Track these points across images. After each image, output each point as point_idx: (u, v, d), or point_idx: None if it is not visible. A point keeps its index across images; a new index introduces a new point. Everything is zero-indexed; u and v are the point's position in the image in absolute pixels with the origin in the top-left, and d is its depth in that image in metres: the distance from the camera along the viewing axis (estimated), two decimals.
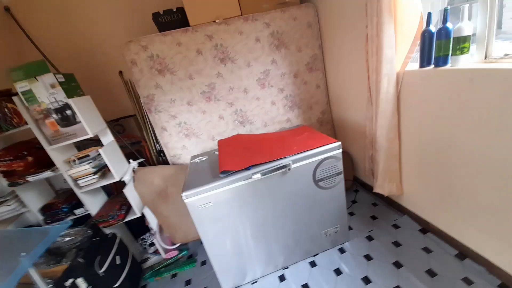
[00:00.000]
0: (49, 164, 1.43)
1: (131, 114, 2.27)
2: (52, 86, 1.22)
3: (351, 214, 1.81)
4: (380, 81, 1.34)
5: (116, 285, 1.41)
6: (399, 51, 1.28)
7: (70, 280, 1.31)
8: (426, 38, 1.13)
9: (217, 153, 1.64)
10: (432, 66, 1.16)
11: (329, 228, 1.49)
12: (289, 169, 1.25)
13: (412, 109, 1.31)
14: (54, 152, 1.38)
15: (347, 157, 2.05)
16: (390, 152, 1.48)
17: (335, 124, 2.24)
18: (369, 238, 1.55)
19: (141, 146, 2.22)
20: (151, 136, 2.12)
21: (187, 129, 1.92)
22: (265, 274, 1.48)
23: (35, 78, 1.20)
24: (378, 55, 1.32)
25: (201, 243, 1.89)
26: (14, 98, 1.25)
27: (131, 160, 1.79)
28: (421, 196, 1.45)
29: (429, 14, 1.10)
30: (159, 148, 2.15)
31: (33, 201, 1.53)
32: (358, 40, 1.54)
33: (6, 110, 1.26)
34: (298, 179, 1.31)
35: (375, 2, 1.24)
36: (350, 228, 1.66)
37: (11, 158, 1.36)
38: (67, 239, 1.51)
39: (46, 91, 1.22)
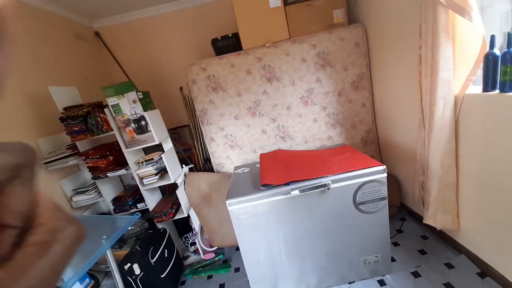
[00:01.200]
0: (123, 163, 1.75)
1: (186, 124, 2.59)
2: (134, 101, 1.53)
3: (395, 244, 1.68)
4: (435, 104, 1.27)
5: (163, 275, 1.60)
6: (457, 73, 1.21)
7: (128, 264, 1.54)
8: (490, 61, 1.05)
9: (258, 165, 1.75)
10: (497, 91, 1.06)
11: (369, 256, 1.41)
12: (328, 189, 1.27)
13: (473, 136, 1.19)
14: (129, 154, 1.69)
15: (393, 181, 1.92)
16: (445, 180, 1.36)
17: (381, 145, 2.13)
18: (416, 274, 1.41)
19: (191, 153, 2.49)
20: (201, 145, 2.37)
21: (232, 141, 2.10)
22: None
23: (122, 95, 1.52)
24: (433, 77, 1.26)
25: (236, 249, 1.99)
26: (106, 110, 1.60)
27: (183, 165, 2.03)
28: (482, 234, 1.27)
29: (493, 37, 1.02)
30: (206, 156, 2.38)
31: (108, 192, 1.87)
32: (409, 60, 1.50)
33: (99, 118, 1.61)
34: (337, 199, 1.31)
35: (430, 23, 1.21)
36: (393, 260, 1.54)
37: (97, 156, 1.71)
38: (129, 228, 1.79)
39: (129, 105, 1.54)
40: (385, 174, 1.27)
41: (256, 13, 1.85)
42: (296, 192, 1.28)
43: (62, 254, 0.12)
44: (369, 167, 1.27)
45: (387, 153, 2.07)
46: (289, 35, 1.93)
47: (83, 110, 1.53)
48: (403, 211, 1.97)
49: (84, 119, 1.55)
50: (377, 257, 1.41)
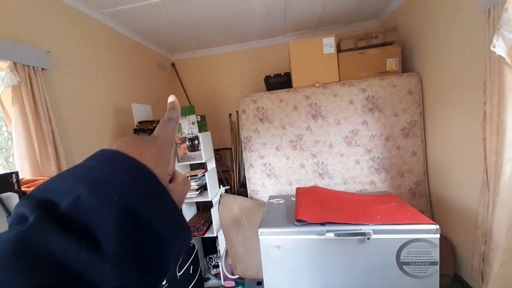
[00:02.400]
0: None
1: (228, 147, 2.78)
2: (193, 123, 1.77)
3: None
4: (502, 166, 1.15)
5: None
6: None
7: None
8: None
9: (293, 199, 1.75)
10: None
11: None
12: (368, 239, 1.18)
13: None
14: (179, 168, 1.89)
15: (447, 245, 1.67)
16: (511, 254, 1.14)
17: (433, 200, 1.91)
18: None
19: (228, 175, 2.62)
20: (239, 169, 2.49)
21: (270, 170, 2.16)
22: None
23: (185, 116, 1.77)
24: (499, 136, 1.16)
25: (257, 284, 1.91)
26: None
27: (221, 185, 2.15)
28: None
29: None
30: (242, 181, 2.47)
31: None
32: (471, 114, 1.41)
33: None
34: (377, 253, 1.20)
35: (496, 82, 1.16)
36: None
37: None
38: None
39: (188, 126, 1.78)
40: (438, 235, 1.14)
41: (310, 57, 2.02)
42: (331, 235, 1.23)
43: (187, 190, 0.25)
44: (418, 223, 1.16)
45: (440, 211, 1.84)
46: (339, 78, 2.02)
47: (153, 125, 1.82)
48: (457, 284, 1.66)
49: (152, 133, 1.83)
50: None
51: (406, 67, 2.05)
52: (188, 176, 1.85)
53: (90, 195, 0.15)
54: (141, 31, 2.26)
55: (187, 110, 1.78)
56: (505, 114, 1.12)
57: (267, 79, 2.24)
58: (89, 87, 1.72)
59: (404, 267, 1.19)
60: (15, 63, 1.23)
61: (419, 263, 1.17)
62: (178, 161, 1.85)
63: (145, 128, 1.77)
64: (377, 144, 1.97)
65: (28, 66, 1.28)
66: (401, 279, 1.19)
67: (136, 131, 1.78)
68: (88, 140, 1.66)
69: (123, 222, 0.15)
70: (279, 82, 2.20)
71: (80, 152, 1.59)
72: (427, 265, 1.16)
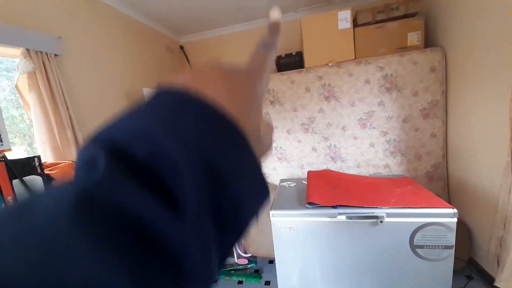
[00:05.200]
0: None
1: None
2: None
3: None
4: None
5: None
6: None
7: None
8: None
9: (305, 182, 1.74)
10: None
11: None
12: (381, 222, 1.17)
13: None
14: None
15: (463, 229, 1.63)
16: None
17: (451, 184, 1.84)
18: None
19: None
20: None
21: (281, 154, 2.15)
22: None
23: None
24: None
25: (269, 262, 1.99)
26: None
27: None
28: None
29: None
30: None
31: None
32: (499, 93, 1.29)
33: None
34: (390, 236, 1.19)
35: None
36: None
37: None
38: None
39: None
40: (455, 219, 1.11)
41: (324, 34, 1.90)
42: (343, 217, 1.22)
43: (272, 132, 0.21)
44: (435, 207, 1.13)
45: (457, 195, 1.78)
46: (355, 56, 1.91)
47: None
48: (471, 268, 1.64)
49: None
50: None
51: (429, 41, 1.88)
52: None
53: (167, 142, 0.12)
54: (149, 12, 2.20)
55: None
56: None
57: (278, 59, 2.15)
58: (101, 72, 1.74)
59: (417, 250, 1.17)
60: (28, 50, 1.24)
61: (434, 247, 1.15)
62: None
63: None
64: (394, 126, 1.88)
65: (41, 52, 1.30)
66: (414, 262, 1.18)
67: None
68: None
69: (203, 176, 0.12)
70: (291, 62, 2.11)
71: None
72: (441, 248, 1.14)
